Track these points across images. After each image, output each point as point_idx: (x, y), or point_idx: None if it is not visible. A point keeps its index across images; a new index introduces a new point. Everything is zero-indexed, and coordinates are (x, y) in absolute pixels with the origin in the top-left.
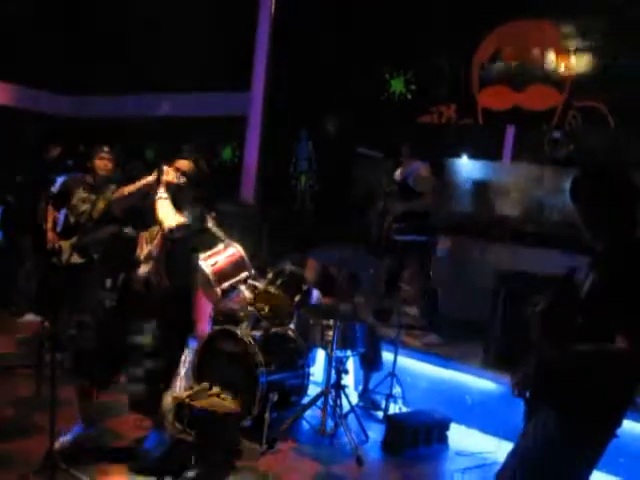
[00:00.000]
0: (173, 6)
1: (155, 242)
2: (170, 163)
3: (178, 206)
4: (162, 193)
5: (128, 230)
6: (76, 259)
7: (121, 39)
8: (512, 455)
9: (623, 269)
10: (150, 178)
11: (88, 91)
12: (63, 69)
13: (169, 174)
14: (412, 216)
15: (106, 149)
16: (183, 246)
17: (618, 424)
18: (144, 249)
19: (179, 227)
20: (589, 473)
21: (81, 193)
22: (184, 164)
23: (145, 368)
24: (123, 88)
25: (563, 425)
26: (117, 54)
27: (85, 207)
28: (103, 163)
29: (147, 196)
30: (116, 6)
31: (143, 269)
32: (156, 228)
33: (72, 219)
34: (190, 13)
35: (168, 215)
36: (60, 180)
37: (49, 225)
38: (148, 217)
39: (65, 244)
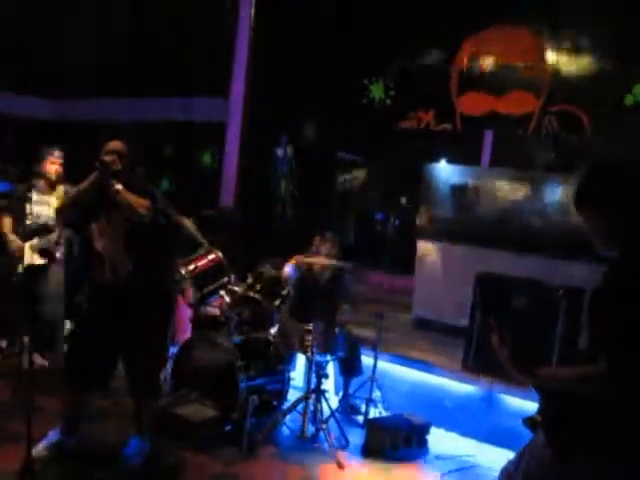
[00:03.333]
0: (155, 11)
1: (111, 231)
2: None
3: (134, 189)
4: (117, 184)
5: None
6: (38, 260)
7: (99, 43)
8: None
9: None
10: (94, 175)
11: (69, 94)
12: (43, 72)
13: (116, 163)
14: None
15: (57, 153)
16: (141, 225)
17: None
18: (102, 239)
19: (149, 209)
20: None
21: (35, 196)
22: (117, 145)
23: (140, 352)
24: (102, 92)
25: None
26: (95, 57)
27: (41, 208)
28: (54, 168)
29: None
30: (97, 9)
31: (107, 258)
32: (104, 220)
33: (30, 222)
34: (172, 18)
35: (137, 201)
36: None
37: (8, 230)
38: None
39: (25, 247)
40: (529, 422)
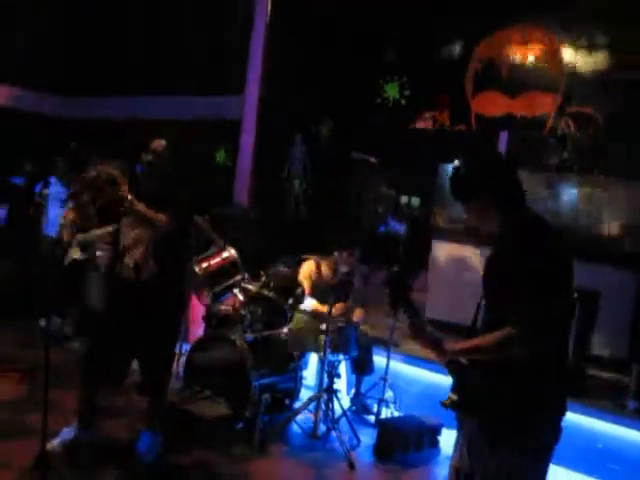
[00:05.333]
0: (170, 9)
1: (141, 227)
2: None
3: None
4: (128, 196)
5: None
6: (79, 255)
7: (116, 40)
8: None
9: (511, 246)
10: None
11: (82, 91)
12: (55, 69)
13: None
14: None
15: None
16: (172, 230)
17: (540, 423)
18: (130, 235)
19: (164, 223)
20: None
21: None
22: (157, 144)
23: (154, 350)
24: (116, 89)
25: (482, 430)
26: (111, 55)
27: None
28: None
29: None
30: (113, 7)
31: (132, 254)
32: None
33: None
34: (186, 16)
35: (151, 215)
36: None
37: (67, 223)
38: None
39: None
40: (447, 402)
